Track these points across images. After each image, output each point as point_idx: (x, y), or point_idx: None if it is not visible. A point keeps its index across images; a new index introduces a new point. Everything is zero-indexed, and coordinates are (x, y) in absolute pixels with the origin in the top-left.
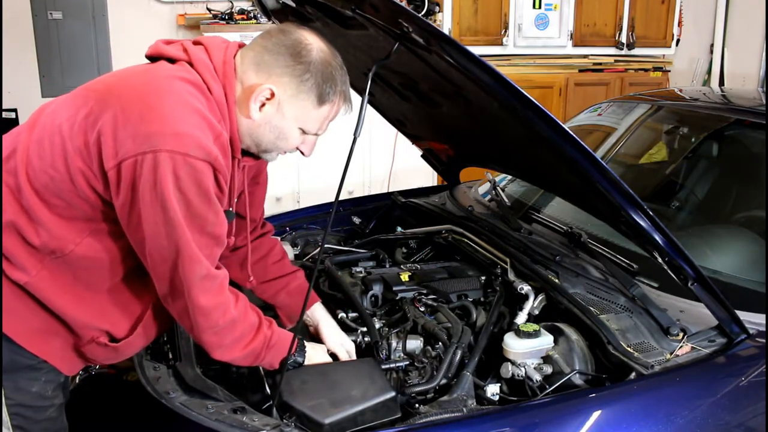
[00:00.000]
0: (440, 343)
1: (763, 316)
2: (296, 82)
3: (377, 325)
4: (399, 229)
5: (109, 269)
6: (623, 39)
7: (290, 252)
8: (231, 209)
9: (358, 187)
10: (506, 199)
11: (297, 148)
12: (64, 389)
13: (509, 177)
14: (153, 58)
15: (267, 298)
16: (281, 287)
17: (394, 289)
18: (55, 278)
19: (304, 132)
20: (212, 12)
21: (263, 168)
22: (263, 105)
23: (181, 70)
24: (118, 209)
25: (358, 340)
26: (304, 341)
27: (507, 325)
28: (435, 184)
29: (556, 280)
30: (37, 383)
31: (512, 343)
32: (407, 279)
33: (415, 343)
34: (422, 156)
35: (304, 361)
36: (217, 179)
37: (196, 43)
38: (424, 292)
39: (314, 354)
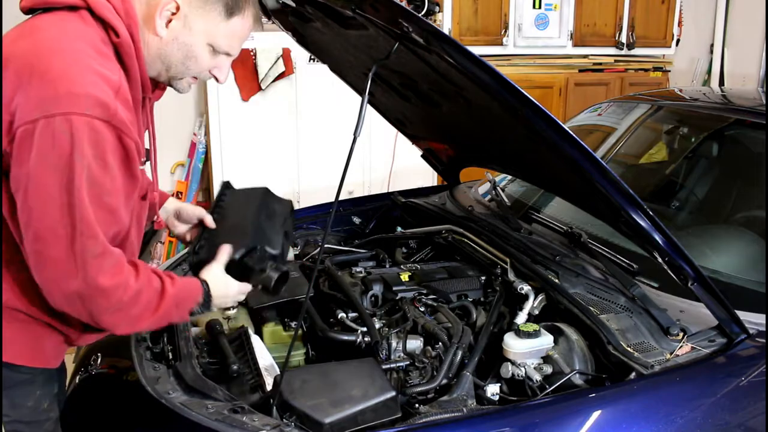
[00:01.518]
0: (440, 343)
1: (763, 316)
2: None
3: (377, 325)
4: (399, 229)
5: None
6: (623, 39)
7: (290, 252)
8: (144, 157)
9: (358, 187)
10: (506, 199)
11: (210, 74)
12: (59, 402)
13: (509, 177)
14: (50, 7)
15: None
16: None
17: (394, 289)
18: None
19: (214, 50)
20: None
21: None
22: (170, 21)
23: (76, 22)
24: (13, 187)
25: (358, 340)
26: (204, 279)
27: (507, 325)
28: (435, 184)
29: (556, 280)
30: (33, 397)
31: (512, 343)
32: (407, 279)
33: (415, 343)
34: (422, 156)
35: (211, 301)
36: (123, 141)
37: None
38: (424, 292)
39: (215, 279)
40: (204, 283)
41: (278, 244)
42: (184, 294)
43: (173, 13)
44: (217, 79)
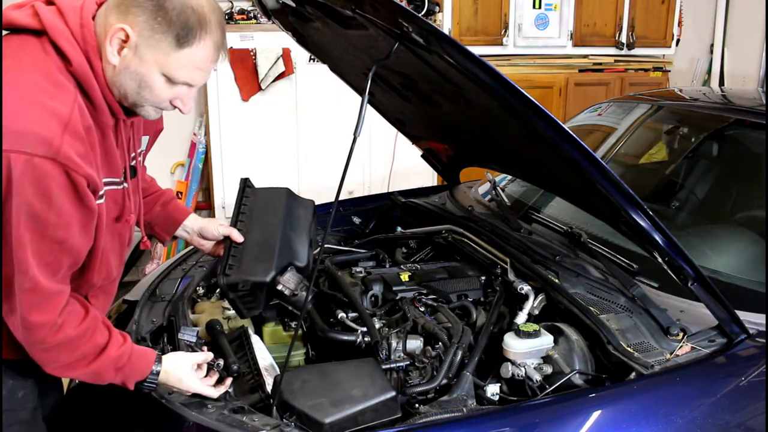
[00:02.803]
0: (440, 343)
1: (763, 316)
2: (150, 20)
3: (377, 325)
4: (399, 229)
5: None
6: (623, 39)
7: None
8: (121, 179)
9: (358, 187)
10: (506, 199)
11: (171, 104)
12: (43, 393)
13: (509, 177)
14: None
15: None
16: (156, 201)
17: (394, 289)
18: None
19: (170, 81)
20: None
21: (160, 126)
22: (122, 48)
23: (35, 49)
24: None
25: (358, 340)
26: (161, 356)
27: (507, 325)
28: (435, 184)
29: (556, 280)
30: (6, 386)
31: (512, 343)
32: (407, 279)
33: (415, 343)
34: (422, 156)
35: (156, 383)
36: (71, 176)
37: (48, 2)
38: (424, 292)
39: (171, 366)
40: (158, 360)
41: (305, 256)
42: (128, 362)
43: (123, 41)
44: (180, 110)
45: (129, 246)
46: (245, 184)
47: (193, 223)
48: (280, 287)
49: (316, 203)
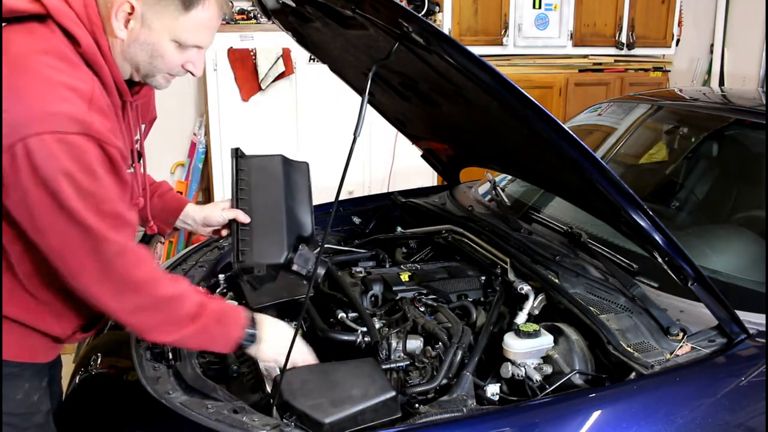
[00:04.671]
0: (440, 343)
1: (763, 316)
2: None
3: (377, 325)
4: (399, 229)
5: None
6: (623, 39)
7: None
8: (129, 161)
9: (358, 187)
10: (506, 199)
11: (184, 68)
12: (52, 397)
13: (509, 177)
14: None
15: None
16: (152, 192)
17: (394, 289)
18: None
19: (181, 45)
20: None
21: (150, 103)
22: (128, 21)
23: (43, 33)
24: (14, 214)
25: (358, 340)
26: (254, 314)
27: (507, 325)
28: (435, 184)
29: (556, 280)
30: (21, 390)
31: (512, 343)
32: (407, 279)
33: (415, 343)
34: (422, 156)
35: (256, 335)
36: (105, 150)
37: None
38: (424, 292)
39: (269, 325)
40: (252, 320)
41: (309, 225)
42: (226, 313)
43: (129, 13)
44: (192, 74)
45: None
46: (237, 154)
47: (194, 213)
48: (295, 268)
49: (316, 203)
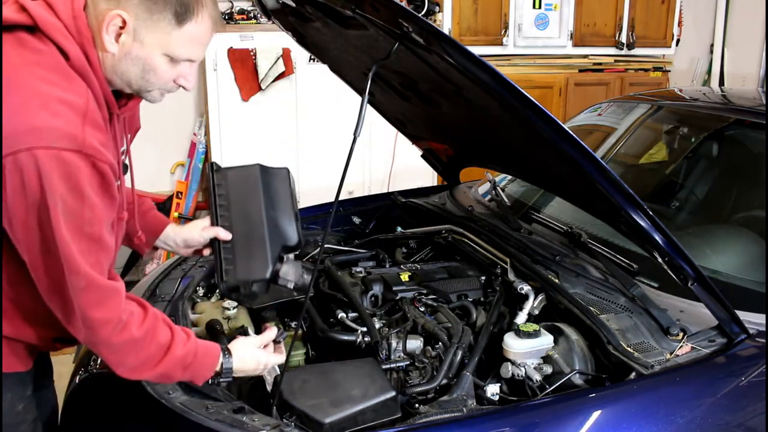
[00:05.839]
0: (440, 343)
1: (763, 316)
2: (146, 2)
3: (377, 325)
4: (399, 229)
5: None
6: (623, 39)
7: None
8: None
9: (358, 187)
10: (506, 199)
11: (176, 84)
12: (41, 404)
13: (509, 177)
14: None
15: None
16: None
17: (394, 289)
18: None
19: (172, 60)
20: None
21: (136, 115)
22: (119, 35)
23: (34, 45)
24: (3, 220)
25: (358, 340)
26: (228, 347)
27: (507, 325)
28: (435, 184)
29: (556, 280)
30: (5, 400)
31: (512, 343)
32: (407, 279)
33: (415, 343)
34: (422, 156)
35: (231, 374)
36: (97, 167)
37: None
38: (424, 292)
39: (243, 353)
40: (226, 352)
41: (294, 234)
42: (194, 360)
43: (121, 28)
44: (184, 88)
45: (119, 247)
46: (212, 168)
47: (174, 235)
48: (281, 281)
49: (316, 203)
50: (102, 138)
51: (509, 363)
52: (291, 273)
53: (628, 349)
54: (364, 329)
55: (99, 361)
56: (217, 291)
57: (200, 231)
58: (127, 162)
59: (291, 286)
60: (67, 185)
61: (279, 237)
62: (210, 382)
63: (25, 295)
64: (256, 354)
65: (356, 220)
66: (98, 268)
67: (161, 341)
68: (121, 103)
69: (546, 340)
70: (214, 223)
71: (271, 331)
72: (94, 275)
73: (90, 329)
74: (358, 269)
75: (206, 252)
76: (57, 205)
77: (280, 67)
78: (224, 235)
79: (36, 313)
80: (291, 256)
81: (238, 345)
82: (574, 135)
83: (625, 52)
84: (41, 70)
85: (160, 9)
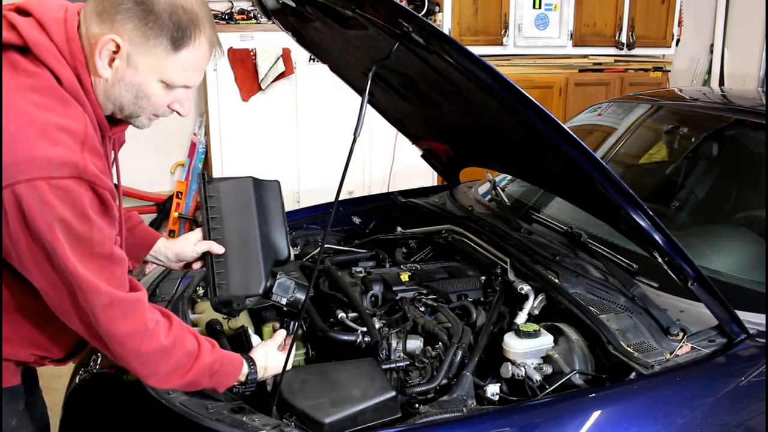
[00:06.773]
0: (440, 343)
1: (763, 316)
2: (141, 26)
3: (377, 325)
4: (399, 229)
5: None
6: (623, 39)
7: (291, 252)
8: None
9: (358, 187)
10: (506, 199)
11: (170, 109)
12: (33, 417)
13: (509, 177)
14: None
15: None
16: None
17: (394, 289)
18: None
19: (168, 86)
20: (212, 12)
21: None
22: (113, 60)
23: (28, 68)
24: (4, 255)
25: (358, 340)
26: (250, 356)
27: (507, 325)
28: (435, 184)
29: (556, 280)
30: None
31: (512, 343)
32: (407, 279)
33: (415, 343)
34: (422, 156)
35: (257, 377)
36: (98, 192)
37: (21, 10)
38: (424, 292)
39: (267, 359)
40: (250, 361)
41: (285, 248)
42: (221, 368)
43: (114, 52)
44: (179, 114)
45: None
46: (204, 179)
47: (165, 249)
48: (274, 298)
49: (316, 203)
50: (101, 165)
51: (509, 363)
52: (282, 290)
53: (628, 349)
54: (364, 329)
55: (99, 361)
56: None
57: (192, 245)
58: (115, 181)
59: (283, 302)
60: (73, 211)
61: (271, 252)
62: (235, 390)
63: (14, 315)
64: (280, 358)
65: (356, 220)
66: (115, 282)
67: (189, 349)
68: (111, 125)
69: (546, 340)
70: (207, 236)
71: (283, 331)
72: (113, 291)
73: (119, 344)
74: (358, 269)
75: (196, 266)
76: (63, 232)
77: (280, 67)
78: (217, 249)
79: (22, 333)
80: (283, 273)
81: (259, 353)
82: (574, 135)
83: (625, 52)
84: (36, 96)
85: (156, 34)
